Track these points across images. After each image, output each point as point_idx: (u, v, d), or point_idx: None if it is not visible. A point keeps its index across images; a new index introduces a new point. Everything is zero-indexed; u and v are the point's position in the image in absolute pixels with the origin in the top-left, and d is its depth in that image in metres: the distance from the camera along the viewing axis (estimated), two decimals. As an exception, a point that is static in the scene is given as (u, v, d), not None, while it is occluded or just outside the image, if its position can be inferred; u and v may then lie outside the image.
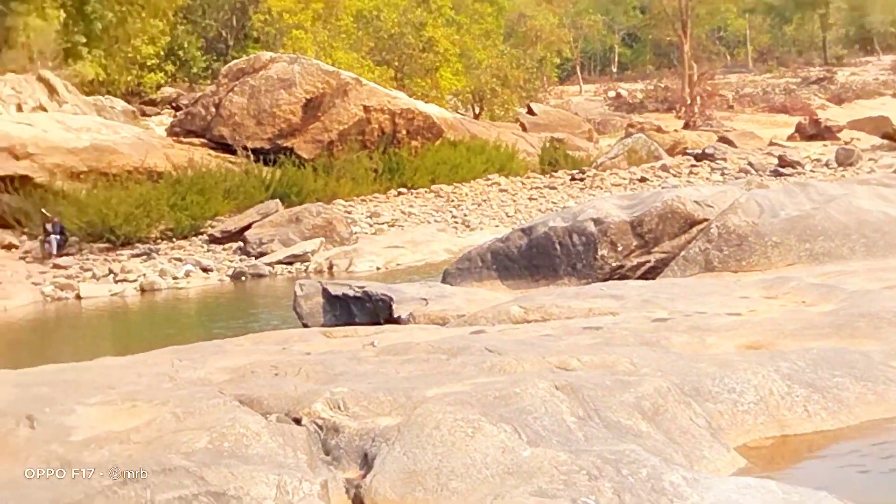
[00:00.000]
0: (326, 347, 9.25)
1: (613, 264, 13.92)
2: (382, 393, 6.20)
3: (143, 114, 39.67)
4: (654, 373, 6.70)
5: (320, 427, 5.84)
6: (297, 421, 5.97)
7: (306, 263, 25.81)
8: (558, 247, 14.32)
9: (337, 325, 12.01)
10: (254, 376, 7.60)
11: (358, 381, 6.74)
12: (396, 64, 50.64)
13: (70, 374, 8.10)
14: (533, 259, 14.52)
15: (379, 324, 11.85)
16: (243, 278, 24.85)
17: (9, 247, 26.59)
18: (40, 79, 33.99)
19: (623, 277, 13.38)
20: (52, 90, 33.68)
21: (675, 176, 37.77)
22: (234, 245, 27.31)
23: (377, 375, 7.13)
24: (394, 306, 12.33)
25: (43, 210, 26.24)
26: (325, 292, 13.75)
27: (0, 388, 7.23)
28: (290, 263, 25.75)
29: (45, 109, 32.30)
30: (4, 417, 6.01)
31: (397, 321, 11.78)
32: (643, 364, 6.95)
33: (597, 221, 14.22)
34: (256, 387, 6.82)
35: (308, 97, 35.25)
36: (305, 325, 13.00)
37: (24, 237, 26.91)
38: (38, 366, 8.82)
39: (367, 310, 13.02)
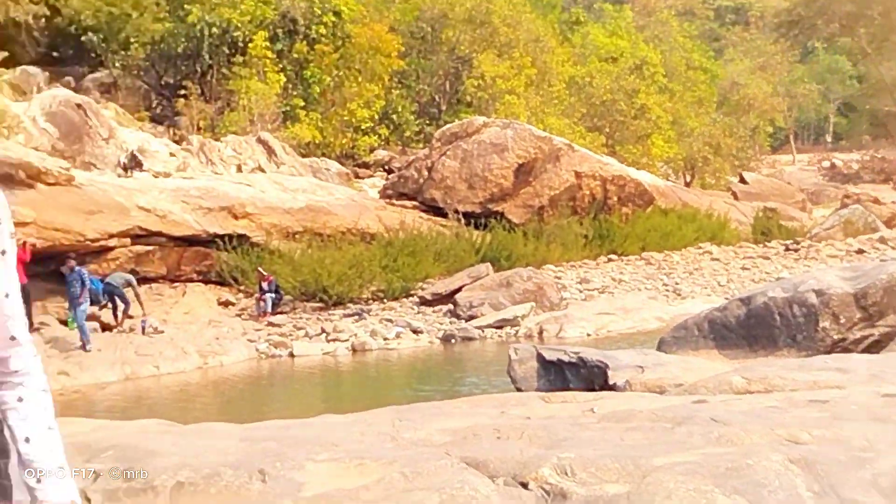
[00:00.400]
0: (545, 412, 9.03)
1: (835, 337, 13.53)
2: (609, 460, 6.02)
3: (357, 176, 40.26)
4: (889, 450, 6.26)
5: (547, 492, 5.74)
6: (524, 485, 5.86)
7: (516, 328, 25.54)
8: (778, 317, 13.99)
9: (551, 391, 11.77)
10: (476, 439, 7.46)
11: (583, 448, 6.56)
12: (608, 130, 50.33)
13: (294, 431, 8.12)
14: (751, 329, 14.21)
15: (594, 390, 11.61)
16: (453, 341, 24.71)
17: (226, 304, 27.15)
18: (260, 140, 34.89)
19: (845, 350, 12.96)
20: (270, 152, 34.51)
21: (893, 248, 36.20)
22: (445, 307, 27.25)
23: (601, 442, 6.89)
24: (609, 373, 12.19)
25: (259, 269, 26.71)
26: (540, 357, 13.66)
27: (229, 441, 7.40)
28: (500, 327, 25.52)
29: (263, 170, 33.09)
30: (238, 471, 6.08)
31: (613, 388, 11.61)
32: (877, 440, 6.54)
33: (818, 293, 13.83)
34: (481, 450, 6.73)
35: (520, 162, 35.19)
36: (519, 389, 12.92)
37: (241, 295, 27.43)
38: (256, 421, 8.93)
39: (582, 376, 12.89)
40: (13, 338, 2.27)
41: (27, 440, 2.24)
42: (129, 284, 24.37)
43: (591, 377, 12.61)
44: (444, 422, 8.56)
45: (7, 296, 2.27)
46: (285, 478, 6.08)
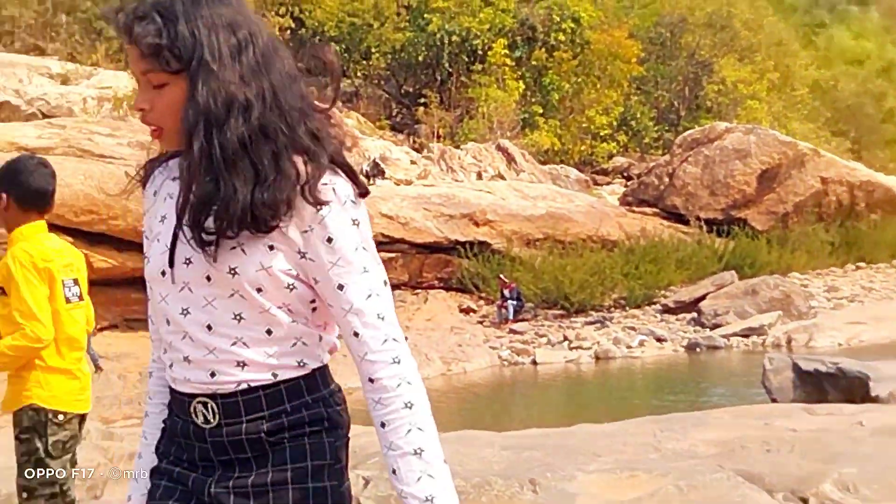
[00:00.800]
0: (812, 425, 8.89)
1: None
2: (894, 476, 5.89)
3: (596, 182, 39.97)
4: None
5: (829, 509, 5.54)
6: (804, 501, 5.80)
7: (763, 337, 24.85)
8: None
9: (808, 402, 11.42)
10: (745, 451, 7.35)
11: (862, 463, 6.40)
12: (854, 135, 48.58)
13: (555, 440, 8.11)
14: None
15: (853, 402, 11.20)
16: (698, 350, 24.17)
17: (467, 311, 27.28)
18: (499, 148, 35.01)
19: None
20: (510, 159, 34.57)
21: None
22: (688, 316, 26.73)
23: (881, 457, 6.72)
24: (871, 384, 11.80)
25: (501, 276, 26.71)
26: (796, 367, 13.34)
27: (491, 450, 7.41)
28: (746, 336, 24.89)
29: (503, 177, 33.14)
30: (509, 480, 6.17)
31: (875, 400, 11.27)
32: None
33: None
34: (754, 462, 6.68)
35: (763, 168, 34.27)
36: (774, 400, 12.80)
37: (482, 302, 27.50)
38: (508, 429, 9.14)
39: (841, 387, 12.46)
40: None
41: None
42: None
43: (851, 388, 12.21)
44: (707, 432, 8.52)
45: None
46: (556, 488, 6.03)
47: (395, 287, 25.96)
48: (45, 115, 26.82)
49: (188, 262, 2.14)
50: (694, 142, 35.52)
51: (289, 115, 2.16)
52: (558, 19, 42.24)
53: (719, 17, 46.96)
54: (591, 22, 43.07)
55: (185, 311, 2.16)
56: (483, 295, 27.52)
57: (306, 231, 2.13)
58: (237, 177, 2.08)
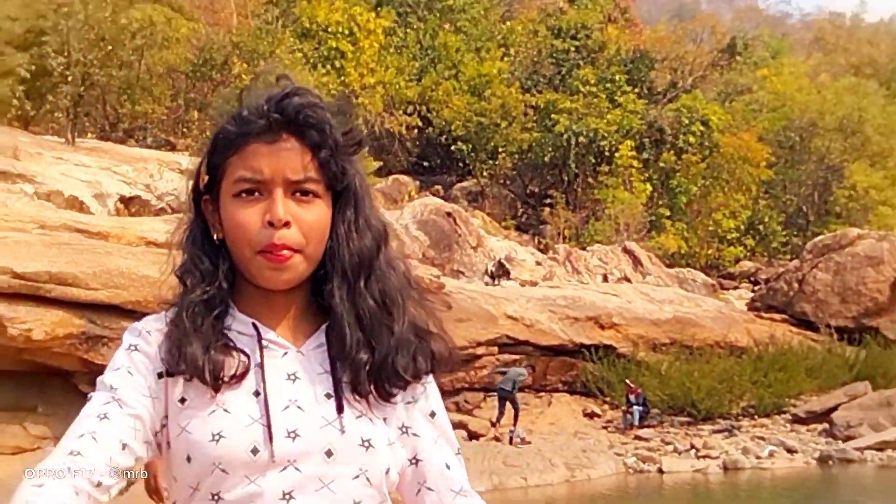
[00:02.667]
0: None
1: None
2: None
3: (722, 287, 39.40)
4: None
5: None
6: None
7: (899, 451, 23.97)
8: None
9: None
10: None
11: None
12: None
13: None
14: None
15: None
16: (830, 462, 23.40)
17: (591, 415, 26.90)
18: (625, 250, 34.80)
19: None
20: (636, 261, 34.31)
21: None
22: (819, 426, 25.98)
23: None
24: None
25: (627, 380, 26.31)
26: None
27: None
28: (881, 450, 24.04)
29: (629, 280, 32.87)
30: None
31: None
32: None
33: None
34: None
35: (897, 276, 33.41)
36: None
37: (606, 406, 27.11)
38: None
39: None
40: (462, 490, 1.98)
41: None
42: (514, 387, 24.52)
43: None
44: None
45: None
46: None
47: (518, 390, 25.86)
48: (174, 211, 27.37)
49: (294, 435, 1.79)
50: (825, 248, 34.82)
51: (408, 274, 1.97)
52: (687, 122, 42.14)
53: (850, 122, 46.37)
54: (720, 125, 42.87)
55: (287, 496, 1.78)
56: (608, 399, 27.13)
57: (409, 402, 1.93)
58: (380, 334, 1.86)
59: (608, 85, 44.53)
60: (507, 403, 24.41)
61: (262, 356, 1.84)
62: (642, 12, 62.91)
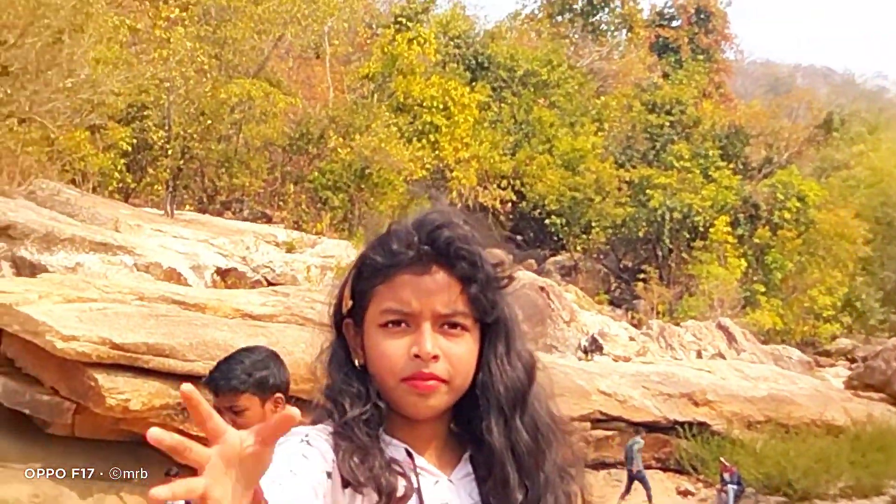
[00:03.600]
0: None
1: None
2: None
3: (818, 364, 38.81)
4: None
5: None
6: None
7: None
8: None
9: None
10: None
11: None
12: None
13: None
14: None
15: None
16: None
17: (685, 493, 26.61)
18: (720, 326, 34.51)
19: None
20: (730, 338, 34.01)
21: None
22: (920, 510, 25.40)
23: None
24: None
25: (721, 458, 26.00)
26: None
27: None
28: (984, 536, 23.42)
29: (723, 357, 32.59)
30: None
31: None
32: None
33: None
34: None
35: None
36: None
37: (700, 485, 26.79)
38: None
39: None
40: None
41: None
42: (630, 460, 24.56)
43: None
44: None
45: None
46: None
47: (611, 466, 25.75)
48: (269, 283, 27.73)
49: None
50: (928, 325, 34.30)
51: (555, 408, 1.99)
52: (783, 198, 41.85)
53: (948, 197, 45.73)
54: (816, 201, 42.49)
55: None
56: (702, 477, 26.80)
57: None
58: (532, 473, 1.86)
59: (702, 160, 44.49)
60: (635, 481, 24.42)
61: (418, 482, 1.83)
62: (736, 87, 62.88)
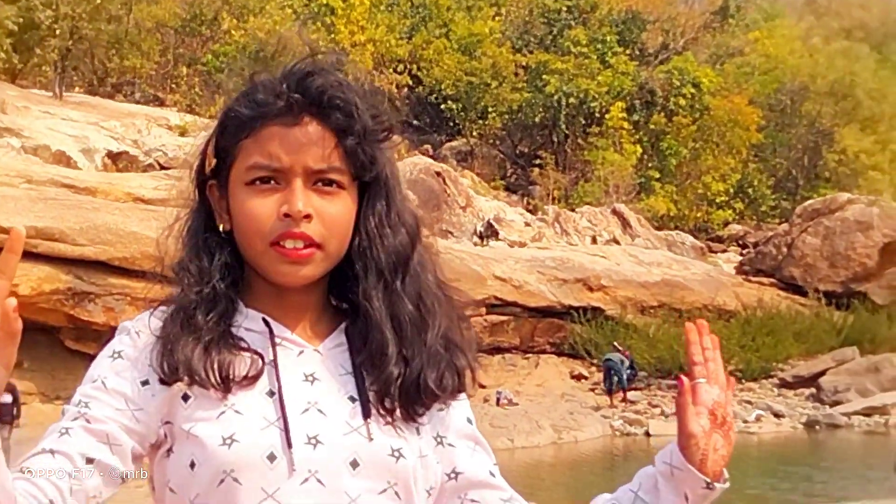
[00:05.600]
0: None
1: None
2: None
3: (710, 250, 39.34)
4: None
5: None
6: None
7: (885, 417, 24.02)
8: None
9: None
10: None
11: None
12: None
13: None
14: None
15: None
16: (817, 427, 23.46)
17: (579, 377, 26.91)
18: (614, 212, 34.71)
19: None
20: (625, 223, 34.23)
21: None
22: (806, 391, 26.06)
23: None
24: None
25: (614, 343, 26.26)
26: None
27: None
28: (868, 415, 24.15)
29: (618, 242, 32.81)
30: None
31: None
32: None
33: None
34: None
35: (886, 241, 33.40)
36: None
37: (594, 368, 27.08)
38: None
39: None
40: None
41: None
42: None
43: None
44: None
45: None
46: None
47: (506, 350, 25.89)
48: (162, 167, 27.20)
49: (315, 441, 1.58)
50: (814, 212, 34.82)
51: (440, 274, 1.75)
52: (678, 84, 41.97)
53: (842, 86, 46.23)
54: (711, 87, 42.72)
55: None
56: (595, 362, 27.09)
57: (441, 409, 1.69)
58: (414, 344, 1.65)
59: (599, 46, 44.32)
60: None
61: (275, 354, 1.63)
62: (634, -28, 62.48)
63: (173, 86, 36.52)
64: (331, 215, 1.62)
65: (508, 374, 25.88)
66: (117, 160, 27.32)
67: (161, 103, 35.03)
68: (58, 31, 31.05)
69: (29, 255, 17.85)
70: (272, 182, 1.62)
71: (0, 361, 1.30)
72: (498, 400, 23.66)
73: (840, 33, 58.27)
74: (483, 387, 24.42)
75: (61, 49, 31.46)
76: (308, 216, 1.60)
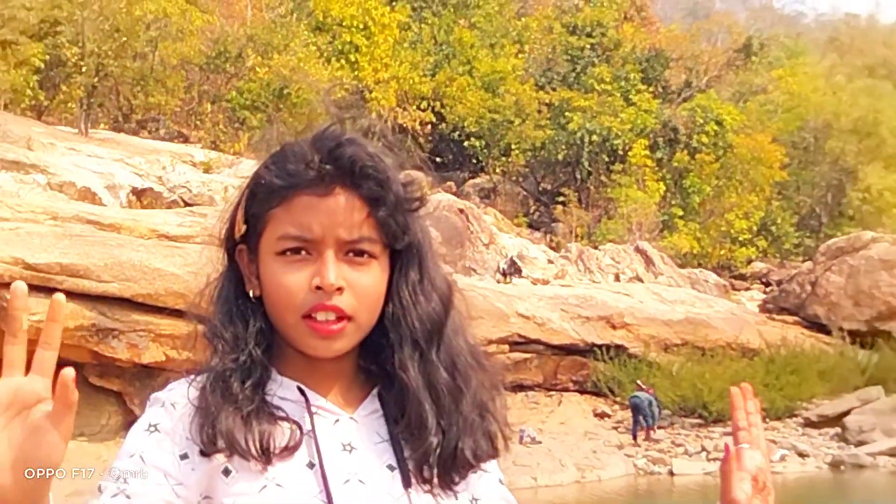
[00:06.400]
0: None
1: None
2: None
3: (733, 288, 39.22)
4: None
5: None
6: None
7: (912, 457, 23.81)
8: None
9: None
10: None
11: None
12: None
13: None
14: None
15: None
16: (842, 468, 23.25)
17: (602, 415, 26.77)
18: (638, 250, 34.65)
19: None
20: (648, 261, 34.15)
21: None
22: (831, 430, 25.82)
23: None
24: None
25: (638, 381, 26.16)
26: None
27: None
28: (894, 455, 23.88)
29: (641, 280, 32.73)
30: None
31: None
32: None
33: None
34: None
35: (912, 279, 33.21)
36: None
37: (617, 406, 26.96)
38: None
39: None
40: None
41: None
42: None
43: None
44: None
45: None
46: None
47: (528, 388, 25.80)
48: (186, 203, 27.30)
49: None
50: (838, 250, 34.66)
51: (473, 340, 1.75)
52: (701, 121, 41.98)
53: (865, 124, 46.14)
54: (734, 125, 42.72)
55: None
56: (618, 399, 26.97)
57: (475, 472, 1.71)
58: (451, 412, 1.64)
59: (623, 83, 44.44)
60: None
61: (312, 424, 1.61)
62: (657, 10, 62.74)
63: (198, 122, 36.74)
64: (363, 287, 1.61)
65: (531, 411, 25.75)
66: (142, 196, 27.43)
67: (185, 140, 35.22)
68: (84, 69, 31.32)
69: (53, 292, 17.86)
70: (303, 252, 1.61)
71: (60, 434, 1.27)
72: (521, 438, 23.52)
73: (863, 71, 58.24)
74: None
75: (87, 86, 31.73)
76: (340, 289, 1.59)
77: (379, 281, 1.63)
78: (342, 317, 1.60)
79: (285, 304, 1.60)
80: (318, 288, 1.58)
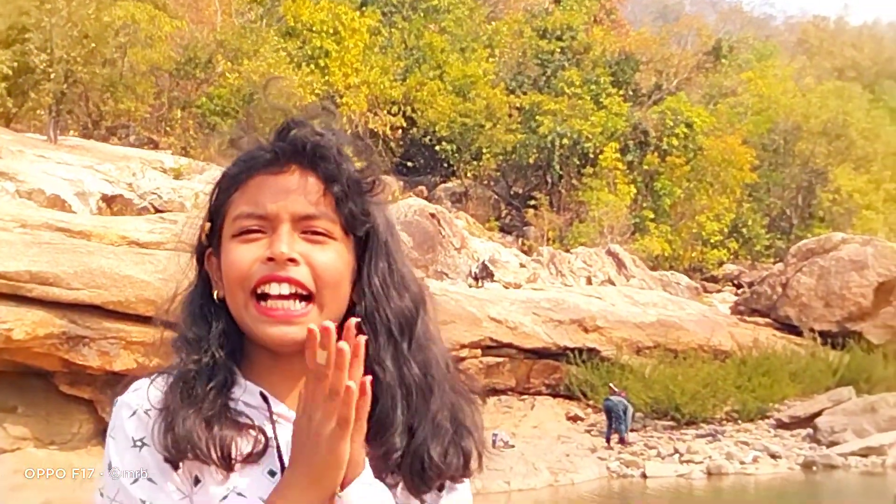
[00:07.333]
0: None
1: None
2: None
3: (705, 290, 39.33)
4: None
5: None
6: None
7: (882, 457, 23.86)
8: None
9: None
10: None
11: None
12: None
13: None
14: None
15: None
16: (814, 469, 23.32)
17: (574, 419, 26.78)
18: (609, 253, 34.68)
19: None
20: (620, 264, 34.19)
21: None
22: (803, 431, 25.91)
23: None
24: None
25: (610, 384, 26.18)
26: None
27: None
28: (865, 456, 23.94)
29: (613, 283, 32.78)
30: None
31: None
32: None
33: None
34: None
35: (881, 280, 33.38)
36: None
37: (590, 410, 26.99)
38: None
39: None
40: None
41: None
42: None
43: None
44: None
45: None
46: None
47: (501, 392, 25.78)
48: (157, 210, 27.17)
49: None
50: (809, 252, 34.83)
51: (447, 353, 1.72)
52: (671, 124, 42.10)
53: (835, 126, 46.40)
54: (704, 127, 42.86)
55: None
56: (591, 403, 26.99)
57: (446, 492, 1.69)
58: (421, 413, 1.61)
59: (593, 87, 44.49)
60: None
61: (275, 432, 1.56)
62: (626, 13, 62.90)
63: (168, 129, 36.57)
64: (322, 263, 1.56)
65: (504, 415, 25.74)
66: (112, 203, 27.28)
67: (156, 146, 35.05)
68: (52, 75, 31.11)
69: (23, 300, 17.84)
70: (258, 232, 1.58)
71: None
72: (494, 442, 23.48)
73: (832, 73, 58.69)
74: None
75: (56, 93, 31.52)
76: (294, 260, 1.55)
77: (340, 261, 1.59)
78: (302, 296, 1.54)
79: (236, 282, 1.56)
80: (270, 259, 1.54)
